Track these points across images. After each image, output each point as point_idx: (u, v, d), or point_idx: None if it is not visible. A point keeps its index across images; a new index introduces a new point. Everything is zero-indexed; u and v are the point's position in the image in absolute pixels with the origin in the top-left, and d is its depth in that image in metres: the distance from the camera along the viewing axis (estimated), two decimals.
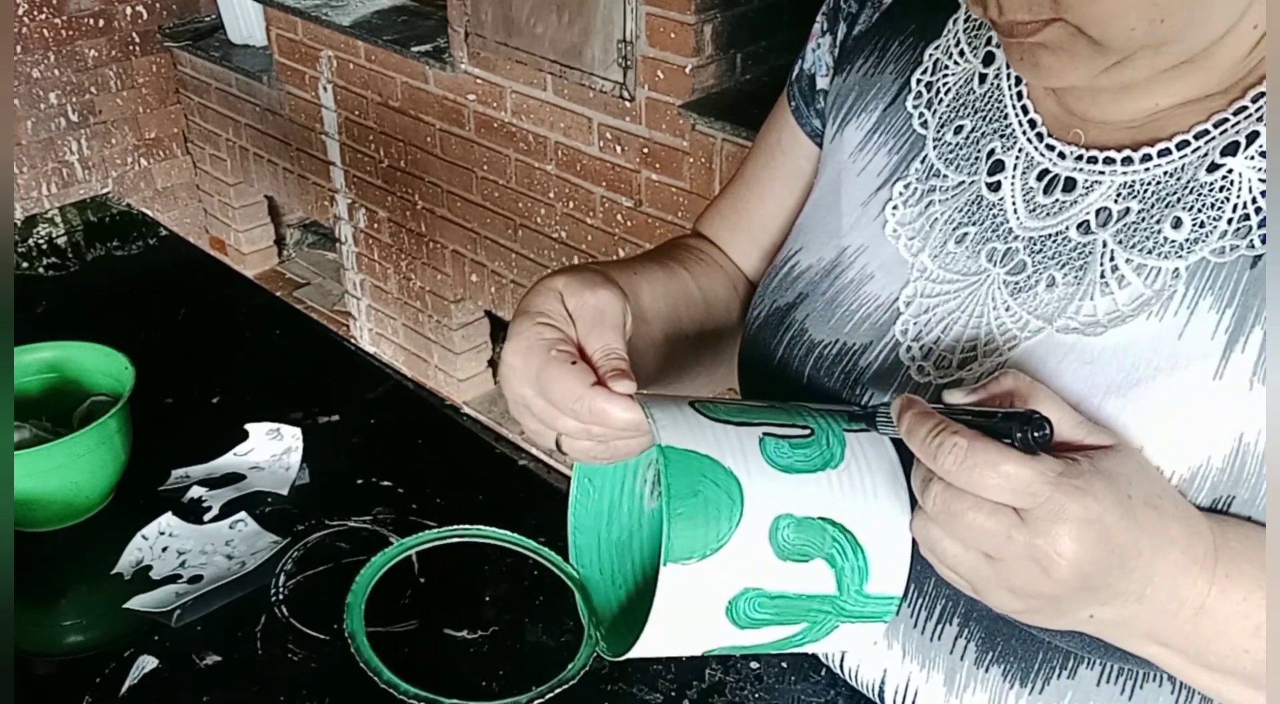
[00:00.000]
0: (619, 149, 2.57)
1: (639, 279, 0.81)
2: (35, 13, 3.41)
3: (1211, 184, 0.65)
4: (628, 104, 2.48)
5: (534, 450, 1.15)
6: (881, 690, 0.80)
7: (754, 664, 0.89)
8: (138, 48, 3.66)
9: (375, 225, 3.35)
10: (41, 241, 1.50)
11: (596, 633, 0.72)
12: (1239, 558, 0.60)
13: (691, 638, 0.64)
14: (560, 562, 0.77)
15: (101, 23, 3.56)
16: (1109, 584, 0.57)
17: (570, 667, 0.76)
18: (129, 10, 3.60)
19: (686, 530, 0.60)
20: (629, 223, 2.63)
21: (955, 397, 0.61)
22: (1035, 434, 0.55)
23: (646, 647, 0.64)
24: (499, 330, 3.36)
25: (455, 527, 0.77)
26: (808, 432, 0.65)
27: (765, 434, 0.64)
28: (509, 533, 0.78)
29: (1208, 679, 0.62)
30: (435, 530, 0.77)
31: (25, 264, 1.45)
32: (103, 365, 1.08)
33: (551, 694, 0.76)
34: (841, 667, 0.84)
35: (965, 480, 0.55)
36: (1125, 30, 0.59)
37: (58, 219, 1.56)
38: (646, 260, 0.87)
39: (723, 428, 0.63)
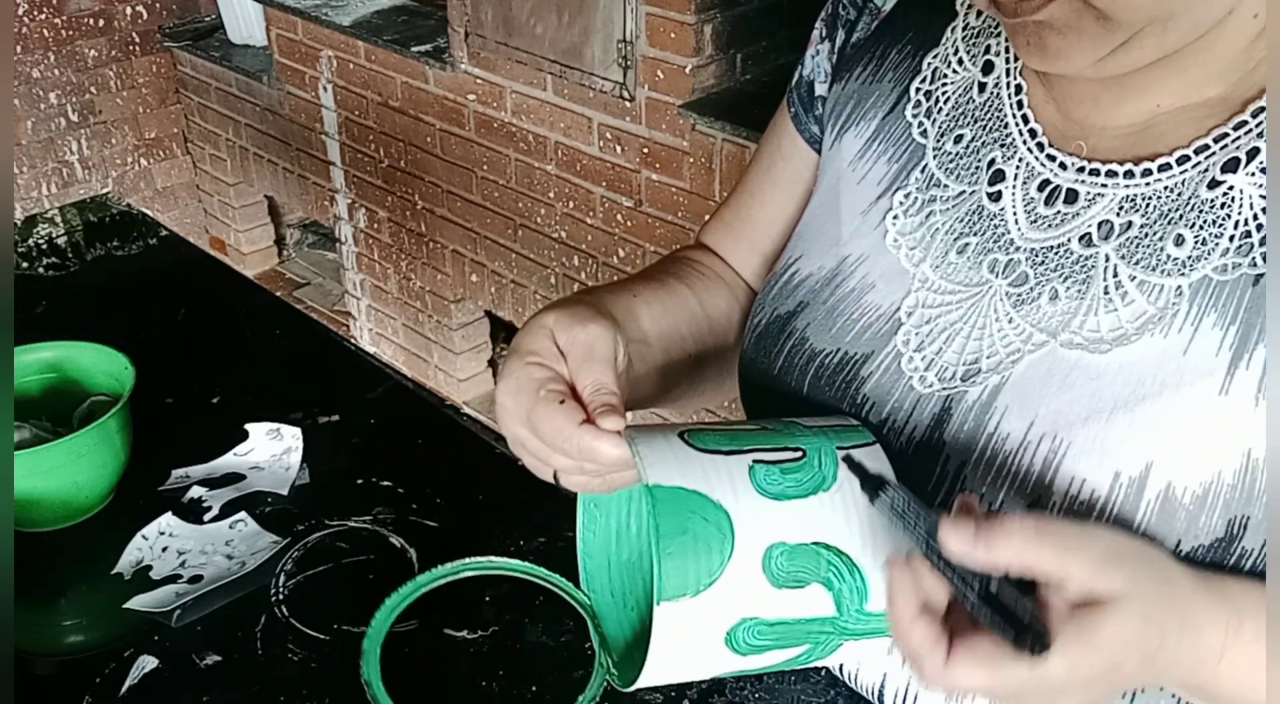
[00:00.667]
0: (619, 149, 2.57)
1: (637, 301, 0.82)
2: (35, 13, 3.40)
3: (1212, 201, 0.65)
4: (628, 104, 2.48)
5: None
6: (881, 694, 0.80)
7: None
8: (138, 48, 3.66)
9: (375, 225, 3.35)
10: (41, 241, 1.50)
11: (608, 661, 0.72)
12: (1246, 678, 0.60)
13: (695, 668, 0.65)
14: (571, 588, 0.76)
15: (101, 23, 3.55)
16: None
17: (580, 699, 0.76)
18: (129, 10, 3.60)
19: (677, 568, 0.60)
20: (629, 223, 2.63)
21: (954, 542, 0.55)
22: (1035, 646, 0.52)
23: (649, 679, 0.64)
24: (499, 330, 3.36)
25: (467, 560, 0.77)
26: (799, 454, 0.64)
27: (755, 461, 0.63)
28: (520, 563, 0.78)
29: None
30: (449, 566, 0.77)
31: (25, 264, 1.45)
32: (103, 365, 1.08)
33: None
34: (842, 670, 0.84)
35: (945, 685, 0.56)
36: None
37: (58, 219, 1.56)
38: (646, 279, 0.87)
39: (711, 459, 0.63)
